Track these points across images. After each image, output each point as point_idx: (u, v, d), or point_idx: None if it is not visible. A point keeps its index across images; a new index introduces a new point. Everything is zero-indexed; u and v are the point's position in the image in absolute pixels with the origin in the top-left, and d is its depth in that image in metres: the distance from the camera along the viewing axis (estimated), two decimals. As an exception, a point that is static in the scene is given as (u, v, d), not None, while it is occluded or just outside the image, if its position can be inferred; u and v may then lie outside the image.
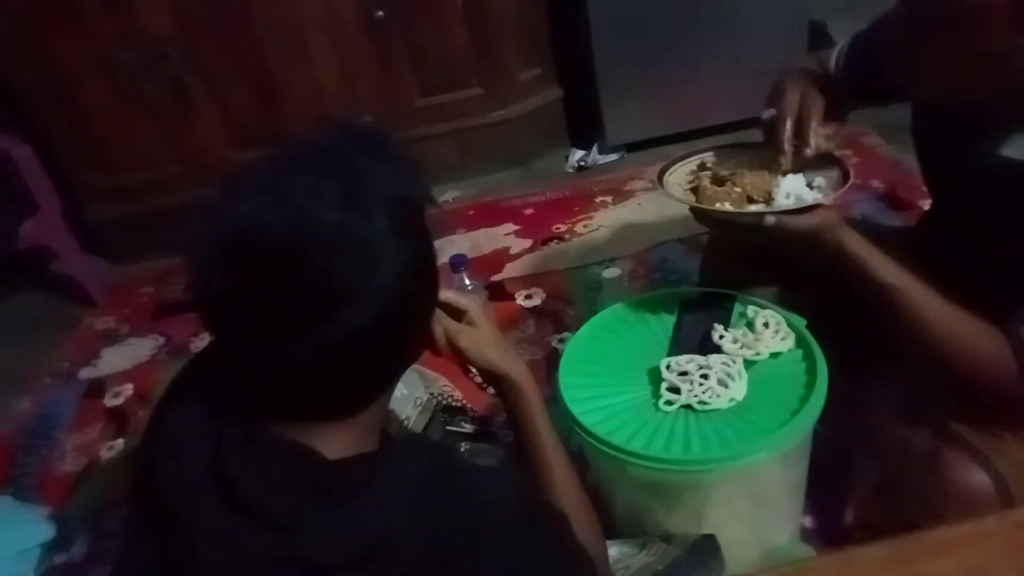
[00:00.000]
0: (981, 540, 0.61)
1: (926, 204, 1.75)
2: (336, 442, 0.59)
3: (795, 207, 0.89)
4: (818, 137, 0.93)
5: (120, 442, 1.61)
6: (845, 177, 0.94)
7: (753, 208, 0.92)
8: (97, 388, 1.78)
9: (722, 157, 1.06)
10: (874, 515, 1.07)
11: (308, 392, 0.57)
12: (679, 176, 1.04)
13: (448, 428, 1.26)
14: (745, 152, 1.05)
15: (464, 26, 2.15)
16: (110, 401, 1.74)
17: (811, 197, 0.91)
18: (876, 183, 1.94)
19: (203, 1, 1.95)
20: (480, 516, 0.58)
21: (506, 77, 2.26)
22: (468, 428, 1.29)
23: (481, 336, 0.82)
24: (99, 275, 2.17)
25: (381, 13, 2.07)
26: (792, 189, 0.93)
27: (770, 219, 0.87)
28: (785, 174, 0.94)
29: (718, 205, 0.93)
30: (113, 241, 2.25)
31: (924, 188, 1.79)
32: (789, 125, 0.93)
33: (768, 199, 0.93)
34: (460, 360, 0.84)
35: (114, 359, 1.87)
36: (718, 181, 0.98)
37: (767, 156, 0.97)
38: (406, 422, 1.19)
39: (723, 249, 1.21)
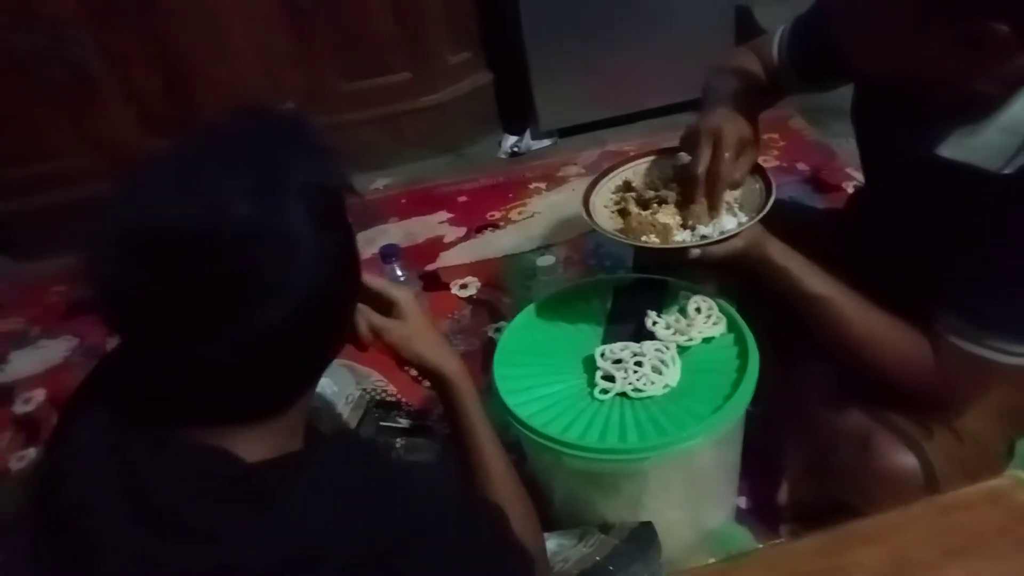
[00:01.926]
0: (906, 526, 0.63)
1: (849, 187, 1.81)
2: (257, 444, 0.56)
3: (718, 239, 0.90)
4: (734, 178, 0.95)
5: (32, 451, 1.51)
6: (767, 189, 0.95)
7: (679, 238, 0.93)
8: (5, 394, 1.67)
9: (643, 170, 1.06)
10: (807, 495, 1.09)
11: (224, 394, 0.54)
12: (604, 196, 1.04)
13: (382, 424, 1.22)
14: (665, 159, 1.05)
15: (391, 8, 2.09)
16: (20, 408, 1.63)
17: (734, 224, 0.92)
18: (802, 166, 1.98)
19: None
20: (414, 515, 0.56)
21: (435, 61, 2.21)
22: (403, 423, 1.26)
23: (411, 331, 0.78)
24: (3, 273, 2.04)
25: (297, -4, 2.00)
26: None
27: (695, 252, 0.90)
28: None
29: (644, 238, 0.94)
30: (17, 237, 2.11)
31: (847, 171, 1.86)
32: (702, 185, 0.94)
33: (693, 226, 0.95)
34: (391, 355, 0.81)
35: (23, 363, 1.76)
36: (643, 204, 0.99)
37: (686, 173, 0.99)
38: (337, 419, 1.15)
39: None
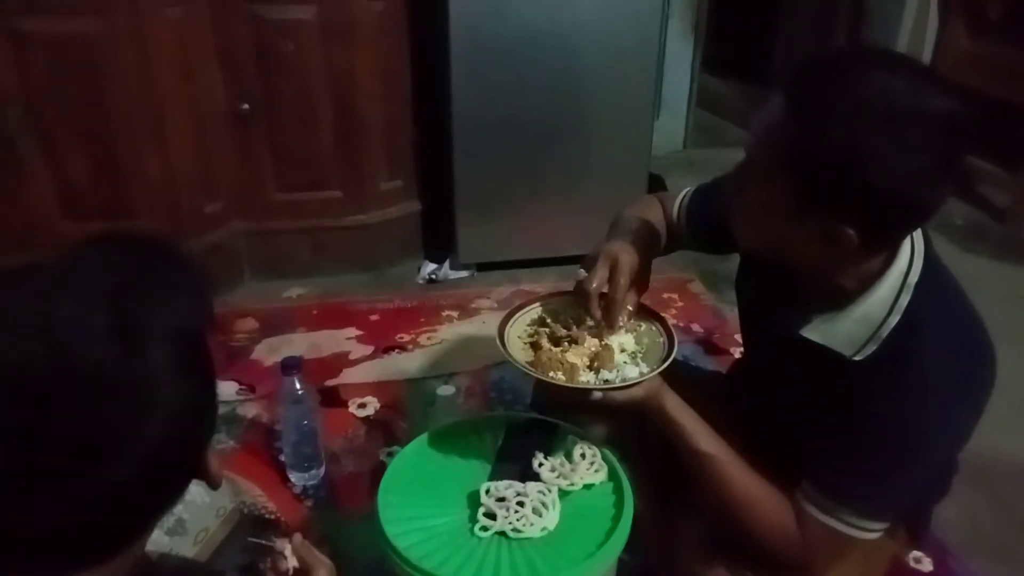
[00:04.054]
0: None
1: (737, 353, 1.94)
2: None
3: (620, 385, 0.94)
4: (624, 308, 1.01)
5: None
6: (670, 344, 1.01)
7: (583, 379, 0.97)
8: None
9: (559, 307, 1.11)
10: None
11: (51, 546, 0.49)
12: (519, 327, 1.08)
13: (251, 540, 1.17)
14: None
15: (332, 130, 2.19)
16: None
17: (636, 373, 0.97)
18: (696, 327, 2.12)
19: (55, 66, 1.85)
20: None
21: (367, 184, 2.30)
22: (277, 543, 1.21)
23: None
24: None
25: (247, 106, 2.07)
26: (619, 363, 0.99)
27: (597, 395, 0.94)
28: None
29: (552, 374, 0.97)
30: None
31: (736, 337, 2.00)
32: (594, 304, 1.00)
33: (598, 369, 0.99)
34: None
35: None
36: (555, 341, 1.04)
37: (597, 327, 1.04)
38: (202, 534, 1.10)
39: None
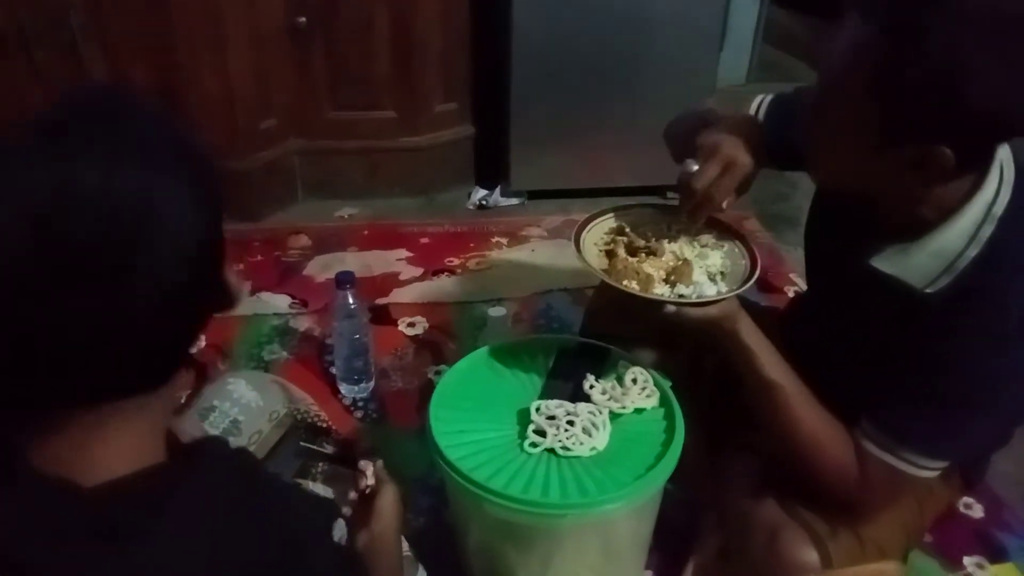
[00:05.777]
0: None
1: (791, 292, 1.90)
2: (117, 445, 0.53)
3: (695, 300, 0.92)
4: (720, 203, 0.96)
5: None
6: (752, 266, 0.98)
7: (657, 291, 0.95)
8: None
9: (639, 219, 1.07)
10: (711, 576, 1.12)
11: (88, 371, 0.51)
12: (596, 234, 1.06)
13: (303, 444, 1.22)
14: (662, 215, 1.07)
15: (388, 49, 2.16)
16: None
17: (713, 291, 0.94)
18: (751, 265, 2.07)
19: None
20: (287, 541, 0.55)
21: (422, 106, 2.27)
22: (328, 449, 1.25)
23: (376, 537, 0.80)
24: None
25: (304, 19, 2.04)
26: (697, 280, 0.96)
27: (670, 308, 0.91)
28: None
29: (626, 283, 0.95)
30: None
31: (791, 276, 1.95)
32: (695, 197, 0.96)
33: (674, 283, 0.96)
34: None
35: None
36: (632, 251, 1.01)
37: (680, 223, 1.02)
38: (256, 436, 1.14)
39: (605, 305, 1.25)
